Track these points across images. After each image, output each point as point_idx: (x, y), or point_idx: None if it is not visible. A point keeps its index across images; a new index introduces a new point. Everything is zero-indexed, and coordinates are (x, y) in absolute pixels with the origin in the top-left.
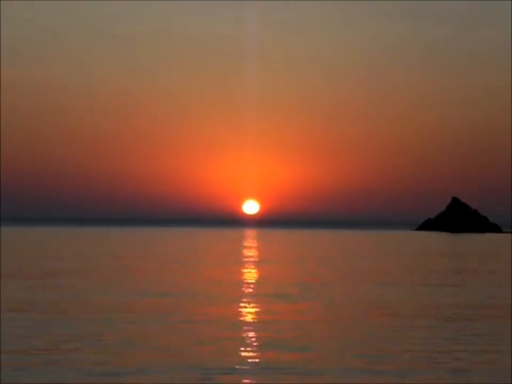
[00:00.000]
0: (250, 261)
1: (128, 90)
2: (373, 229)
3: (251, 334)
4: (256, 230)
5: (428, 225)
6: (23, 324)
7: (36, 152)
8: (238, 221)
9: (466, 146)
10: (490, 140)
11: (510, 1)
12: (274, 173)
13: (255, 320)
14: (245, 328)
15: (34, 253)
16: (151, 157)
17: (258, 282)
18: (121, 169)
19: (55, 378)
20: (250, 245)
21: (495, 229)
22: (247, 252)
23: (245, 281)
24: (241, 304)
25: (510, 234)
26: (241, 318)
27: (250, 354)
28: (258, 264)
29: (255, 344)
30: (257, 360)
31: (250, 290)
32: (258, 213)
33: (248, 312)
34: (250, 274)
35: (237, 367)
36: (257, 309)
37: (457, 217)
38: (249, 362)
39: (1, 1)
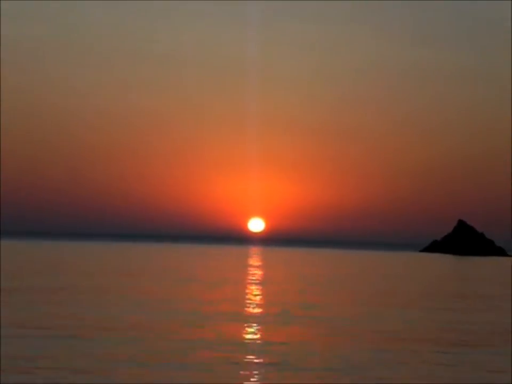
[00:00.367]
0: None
1: (135, 107)
2: (379, 249)
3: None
4: (261, 247)
5: (434, 247)
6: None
7: (48, 166)
8: (243, 239)
9: (473, 168)
10: (497, 161)
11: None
12: (279, 191)
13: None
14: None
15: (58, 268)
16: (158, 173)
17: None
18: (128, 185)
19: None
20: (271, 264)
21: (501, 252)
22: (257, 272)
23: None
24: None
25: None
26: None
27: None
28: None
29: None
30: None
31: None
32: (264, 230)
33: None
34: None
35: None
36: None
37: (463, 240)
38: None
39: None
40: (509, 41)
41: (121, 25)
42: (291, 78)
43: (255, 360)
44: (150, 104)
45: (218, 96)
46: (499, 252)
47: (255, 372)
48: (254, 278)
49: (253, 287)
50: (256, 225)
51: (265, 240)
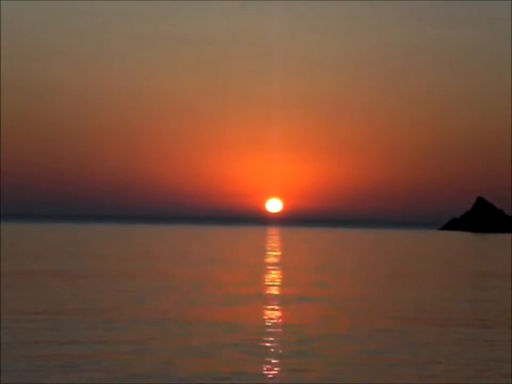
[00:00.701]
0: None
1: (157, 89)
2: (399, 228)
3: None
4: (279, 228)
5: (453, 225)
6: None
7: (59, 148)
8: (261, 219)
9: (494, 146)
10: None
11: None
12: (297, 172)
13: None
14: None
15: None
16: (176, 154)
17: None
18: (147, 167)
19: None
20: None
21: None
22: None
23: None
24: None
25: None
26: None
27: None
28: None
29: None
30: None
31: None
32: (281, 211)
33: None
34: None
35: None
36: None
37: (483, 217)
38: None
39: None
40: None
41: (139, 8)
42: (313, 59)
43: (276, 344)
44: (171, 87)
45: (241, 78)
46: None
47: (277, 359)
48: (273, 260)
49: (273, 271)
50: (274, 205)
51: (283, 220)
